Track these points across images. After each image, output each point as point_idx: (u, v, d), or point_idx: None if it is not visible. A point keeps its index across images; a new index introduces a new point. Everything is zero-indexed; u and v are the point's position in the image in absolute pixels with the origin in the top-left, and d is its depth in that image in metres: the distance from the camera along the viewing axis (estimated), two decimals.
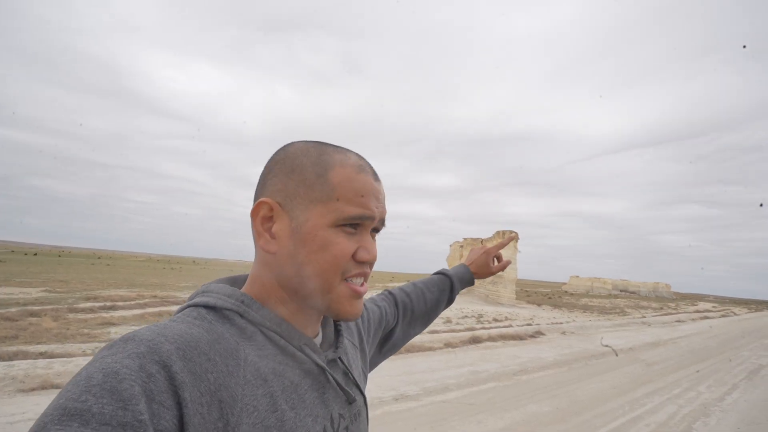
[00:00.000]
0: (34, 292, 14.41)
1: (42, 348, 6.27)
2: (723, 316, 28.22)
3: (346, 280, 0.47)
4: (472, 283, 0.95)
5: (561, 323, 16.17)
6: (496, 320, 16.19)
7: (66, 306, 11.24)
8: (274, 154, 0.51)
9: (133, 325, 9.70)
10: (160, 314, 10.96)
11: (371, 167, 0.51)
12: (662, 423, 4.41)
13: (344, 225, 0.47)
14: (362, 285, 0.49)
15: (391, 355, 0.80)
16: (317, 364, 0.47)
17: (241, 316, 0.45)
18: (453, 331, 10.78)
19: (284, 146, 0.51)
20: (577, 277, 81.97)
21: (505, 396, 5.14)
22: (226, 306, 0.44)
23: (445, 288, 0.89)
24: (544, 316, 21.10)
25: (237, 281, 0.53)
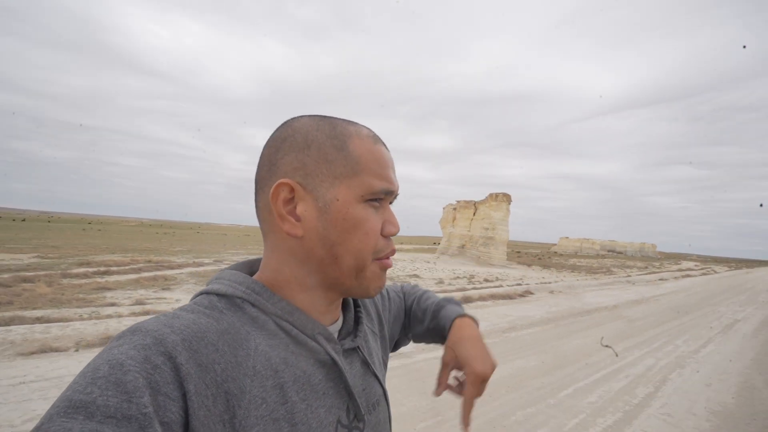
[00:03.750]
0: (26, 258, 14.35)
1: (38, 313, 6.32)
2: (704, 274, 29.39)
3: (377, 258, 0.46)
4: (442, 341, 0.66)
5: (550, 283, 16.72)
6: (487, 281, 16.69)
7: (59, 271, 11.25)
8: (276, 132, 0.47)
9: (128, 289, 9.79)
10: (155, 278, 11.06)
11: (381, 137, 0.50)
12: (640, 375, 4.67)
13: (371, 200, 0.45)
14: (389, 258, 0.48)
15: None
16: (330, 355, 0.45)
17: (252, 304, 0.43)
18: (445, 291, 11.09)
19: (287, 122, 0.47)
20: (567, 238, 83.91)
21: (495, 352, 5.37)
22: (237, 294, 0.43)
23: (439, 333, 0.66)
24: (533, 276, 21.79)
25: (254, 266, 0.51)
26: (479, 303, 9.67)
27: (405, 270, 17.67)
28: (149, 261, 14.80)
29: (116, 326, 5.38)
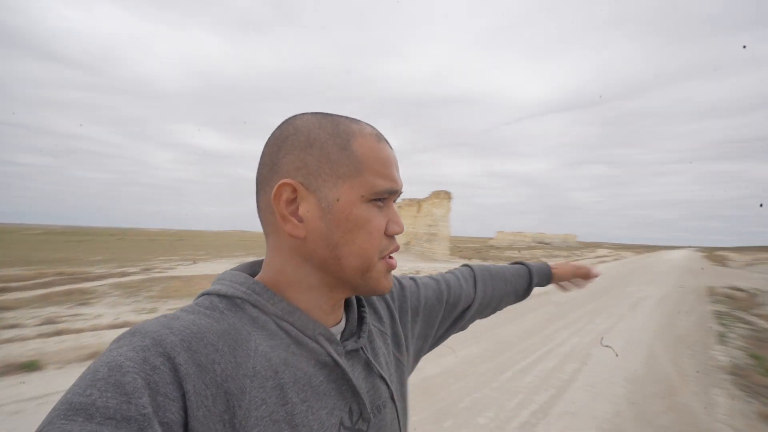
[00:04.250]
0: None
1: None
2: (615, 260, 33.40)
3: (382, 257, 0.46)
4: (550, 281, 0.90)
5: None
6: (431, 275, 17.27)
7: None
8: (277, 130, 0.46)
9: (35, 307, 8.50)
10: (69, 293, 9.74)
11: (384, 135, 0.49)
12: (568, 353, 5.19)
13: (374, 199, 0.44)
14: (394, 258, 0.48)
15: (453, 333, 0.75)
16: (332, 357, 0.44)
17: (253, 305, 0.43)
18: None
19: (288, 120, 0.46)
20: (503, 232, 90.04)
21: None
22: (238, 295, 0.43)
23: (523, 275, 0.84)
24: None
25: (257, 267, 0.50)
26: None
27: None
28: (60, 273, 12.98)
29: (19, 351, 4.65)
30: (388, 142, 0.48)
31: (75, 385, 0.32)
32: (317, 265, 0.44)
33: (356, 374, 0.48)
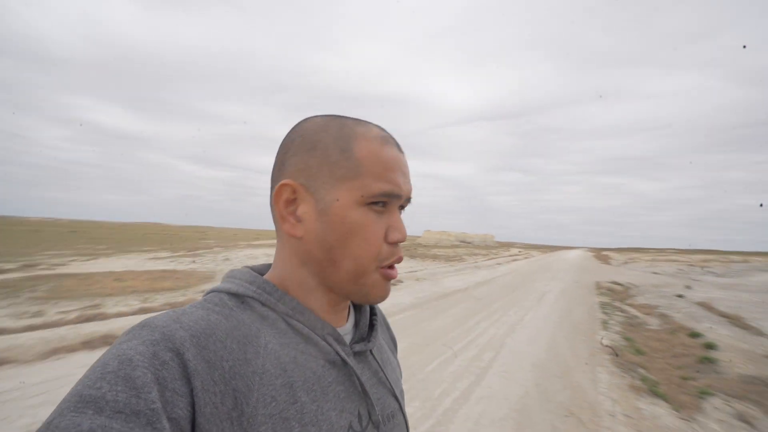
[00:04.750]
0: None
1: None
2: (525, 258, 37.28)
3: (381, 267, 0.44)
4: None
5: (416, 271, 18.56)
6: None
7: None
8: (289, 132, 0.46)
9: None
10: None
11: (395, 139, 0.47)
12: (486, 343, 5.69)
13: (372, 203, 0.43)
14: (395, 269, 0.46)
15: None
16: (341, 356, 0.44)
17: (263, 303, 0.43)
18: None
19: (300, 122, 0.47)
20: (430, 231, 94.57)
21: None
22: (248, 293, 0.43)
23: None
24: (402, 266, 23.78)
25: (266, 268, 0.50)
26: None
27: None
28: None
29: None
30: (397, 146, 0.46)
31: (85, 377, 0.32)
32: (313, 266, 0.44)
33: (365, 378, 0.47)
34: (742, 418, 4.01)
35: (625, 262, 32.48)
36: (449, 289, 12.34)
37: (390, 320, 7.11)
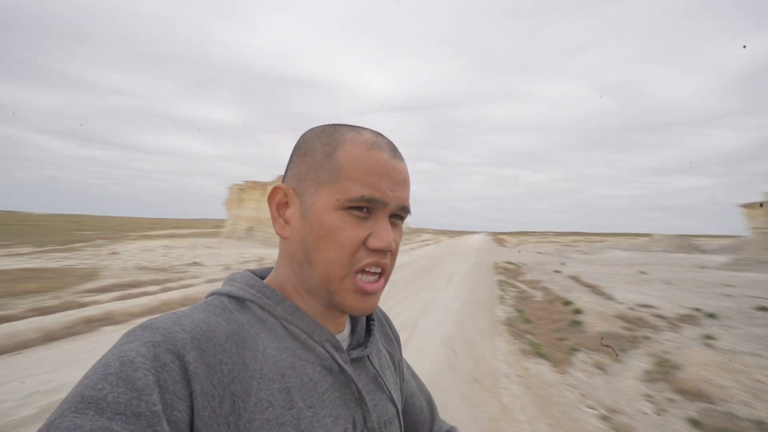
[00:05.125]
0: None
1: None
2: (436, 243, 40.11)
3: (356, 274, 0.43)
4: None
5: None
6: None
7: None
8: (297, 140, 0.49)
9: None
10: None
11: (390, 145, 0.46)
12: (403, 322, 6.05)
13: (352, 208, 0.42)
14: (376, 282, 0.44)
15: None
16: (338, 363, 0.44)
17: (262, 307, 0.43)
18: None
19: (305, 132, 0.49)
20: None
21: None
22: (247, 297, 0.43)
23: None
24: None
25: (267, 272, 0.51)
26: None
27: (183, 259, 15.37)
28: None
29: None
30: (390, 152, 0.45)
31: (86, 377, 0.32)
32: (296, 268, 0.45)
33: (362, 384, 0.47)
34: (599, 366, 5.03)
35: (517, 245, 37.34)
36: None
37: None
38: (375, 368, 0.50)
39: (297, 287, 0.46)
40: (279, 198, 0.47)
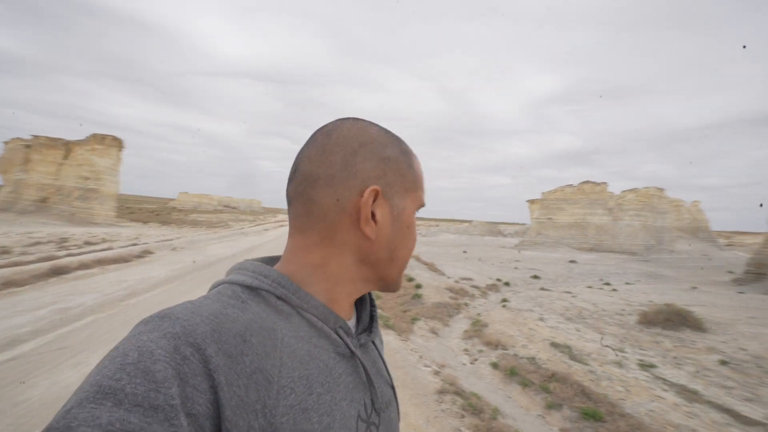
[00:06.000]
0: None
1: None
2: None
3: None
4: None
5: (171, 240, 16.02)
6: (89, 243, 13.37)
7: None
8: (346, 131, 0.49)
9: None
10: None
11: None
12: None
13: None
14: None
15: None
16: (350, 349, 0.47)
17: (278, 297, 0.44)
18: (18, 264, 7.82)
19: (357, 124, 0.50)
20: (186, 193, 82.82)
21: (112, 325, 4.63)
22: (263, 287, 0.44)
23: None
24: (151, 233, 19.87)
25: (272, 261, 0.51)
26: (80, 272, 7.70)
27: None
28: None
29: None
30: None
31: (103, 366, 0.32)
32: (371, 263, 0.49)
33: (369, 368, 0.51)
34: (433, 331, 5.98)
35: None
36: (214, 257, 11.47)
37: (137, 300, 5.98)
38: (378, 352, 0.55)
39: (342, 277, 0.48)
40: (372, 199, 0.48)
